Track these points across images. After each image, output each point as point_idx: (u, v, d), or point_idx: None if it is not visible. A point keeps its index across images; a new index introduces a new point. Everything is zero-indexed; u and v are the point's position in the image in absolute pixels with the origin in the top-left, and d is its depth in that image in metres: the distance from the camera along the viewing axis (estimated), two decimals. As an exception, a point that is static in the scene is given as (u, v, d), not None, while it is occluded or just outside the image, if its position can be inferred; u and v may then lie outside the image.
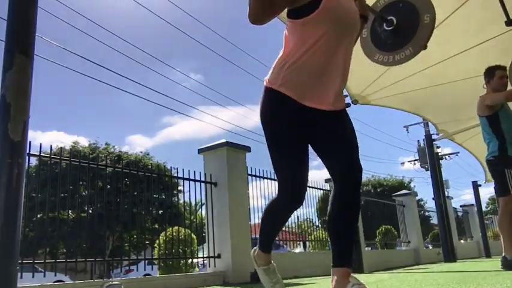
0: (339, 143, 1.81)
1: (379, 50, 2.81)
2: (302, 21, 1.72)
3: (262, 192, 6.01)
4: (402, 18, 2.65)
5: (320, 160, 1.87)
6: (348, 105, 6.08)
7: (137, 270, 17.64)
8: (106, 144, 25.35)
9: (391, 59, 2.75)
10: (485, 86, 4.15)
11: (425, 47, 2.60)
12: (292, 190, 1.83)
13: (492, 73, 4.08)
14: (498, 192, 3.97)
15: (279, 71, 1.79)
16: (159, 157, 26.59)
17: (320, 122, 1.80)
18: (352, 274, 1.70)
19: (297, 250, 8.86)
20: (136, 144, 47.43)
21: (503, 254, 3.89)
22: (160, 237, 6.24)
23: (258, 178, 5.73)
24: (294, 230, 8.57)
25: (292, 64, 1.75)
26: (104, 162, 5.58)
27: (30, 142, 3.16)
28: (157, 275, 6.11)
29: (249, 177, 5.62)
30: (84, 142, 28.29)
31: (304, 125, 1.79)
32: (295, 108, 1.75)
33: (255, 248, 2.15)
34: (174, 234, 5.78)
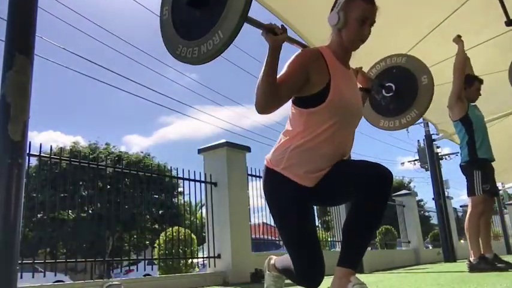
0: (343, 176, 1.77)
1: (382, 116, 2.81)
2: (308, 111, 1.75)
3: (262, 192, 6.00)
4: (400, 83, 2.68)
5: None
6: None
7: (137, 270, 17.63)
8: (106, 144, 25.38)
9: (397, 123, 2.75)
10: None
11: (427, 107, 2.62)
12: (309, 267, 1.76)
13: (472, 82, 4.22)
14: (468, 192, 4.07)
15: (283, 153, 1.79)
16: (156, 157, 26.58)
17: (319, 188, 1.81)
18: (355, 275, 1.63)
19: (297, 250, 8.84)
20: (133, 144, 47.30)
21: (469, 258, 3.94)
22: (160, 237, 6.25)
23: (258, 178, 5.72)
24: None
25: (297, 148, 1.76)
26: (104, 163, 5.58)
27: (30, 142, 3.16)
28: (157, 275, 6.12)
29: (249, 177, 5.62)
30: (81, 142, 28.22)
31: (306, 200, 1.81)
32: (297, 188, 1.77)
33: (271, 256, 2.20)
34: (174, 234, 5.78)
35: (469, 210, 4.00)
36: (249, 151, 5.59)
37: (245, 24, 1.66)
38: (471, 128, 4.08)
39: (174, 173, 5.30)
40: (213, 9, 1.66)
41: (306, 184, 1.76)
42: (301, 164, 1.76)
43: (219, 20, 1.63)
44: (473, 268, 3.84)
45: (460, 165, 4.14)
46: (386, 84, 2.69)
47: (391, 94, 2.68)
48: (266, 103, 1.64)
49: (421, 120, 14.53)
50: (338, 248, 7.57)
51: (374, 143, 69.40)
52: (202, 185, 5.18)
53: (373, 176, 1.62)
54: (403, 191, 11.53)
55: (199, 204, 8.27)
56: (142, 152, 26.24)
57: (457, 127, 4.24)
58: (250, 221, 5.46)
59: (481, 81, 4.25)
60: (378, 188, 1.61)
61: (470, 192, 3.97)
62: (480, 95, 4.23)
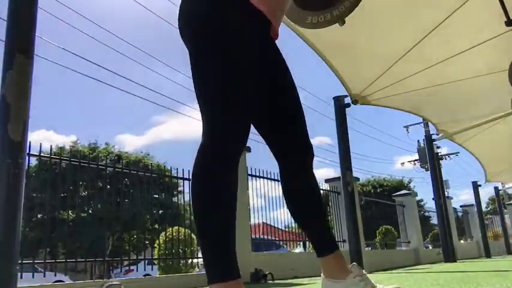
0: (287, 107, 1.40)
1: (309, 11, 2.36)
2: None
3: (262, 192, 6.01)
4: None
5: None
6: (348, 105, 6.07)
7: (137, 270, 17.61)
8: (106, 144, 25.41)
9: (329, 16, 2.33)
10: None
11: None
12: (241, 134, 1.21)
13: None
14: None
15: None
16: (154, 156, 26.58)
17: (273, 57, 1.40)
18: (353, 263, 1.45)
19: (297, 250, 8.86)
20: (126, 144, 47.10)
21: None
22: (160, 237, 6.24)
23: (258, 178, 5.73)
24: (294, 230, 8.57)
25: None
26: (104, 163, 5.59)
27: (30, 142, 3.16)
28: (157, 275, 6.12)
29: (249, 177, 5.62)
30: (77, 141, 28.17)
31: (268, 53, 1.36)
32: (264, 23, 1.29)
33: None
34: (174, 234, 5.78)
35: None
36: (249, 151, 5.59)
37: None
38: None
39: (174, 172, 5.30)
40: None
41: (272, 19, 1.29)
42: None
43: None
44: None
45: None
46: None
47: None
48: None
49: (421, 120, 14.54)
50: (338, 248, 7.56)
51: (374, 143, 69.34)
52: (202, 185, 5.17)
53: (300, 151, 1.42)
54: (403, 191, 11.54)
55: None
56: (141, 152, 26.29)
57: None
58: (250, 221, 5.46)
59: None
60: (302, 164, 1.43)
61: None
62: None
